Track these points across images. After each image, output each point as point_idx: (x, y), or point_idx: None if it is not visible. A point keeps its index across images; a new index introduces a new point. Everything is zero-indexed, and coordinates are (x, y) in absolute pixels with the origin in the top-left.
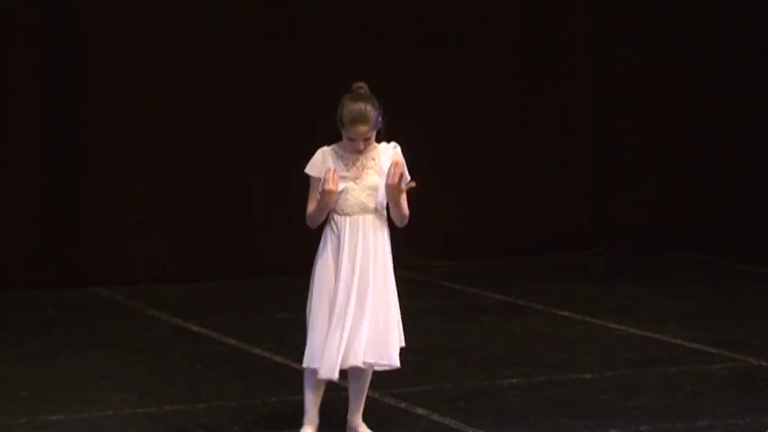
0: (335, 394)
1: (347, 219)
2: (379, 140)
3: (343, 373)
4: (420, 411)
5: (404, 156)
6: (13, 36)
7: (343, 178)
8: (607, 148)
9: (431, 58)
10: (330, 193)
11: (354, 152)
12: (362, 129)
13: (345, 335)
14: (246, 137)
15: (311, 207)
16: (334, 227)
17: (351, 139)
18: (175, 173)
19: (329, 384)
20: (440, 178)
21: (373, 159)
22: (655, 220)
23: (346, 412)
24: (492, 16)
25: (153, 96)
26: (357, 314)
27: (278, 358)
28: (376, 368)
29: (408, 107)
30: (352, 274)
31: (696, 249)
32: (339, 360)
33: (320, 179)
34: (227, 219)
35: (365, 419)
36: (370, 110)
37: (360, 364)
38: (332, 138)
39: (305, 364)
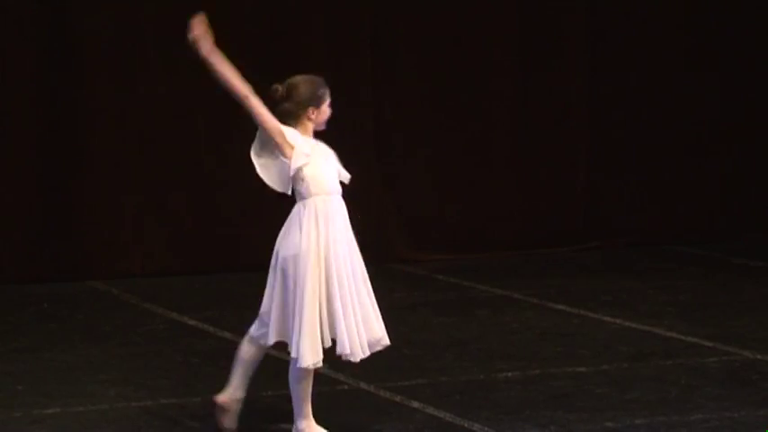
0: (331, 388)
1: (323, 198)
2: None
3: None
4: (415, 405)
5: (402, 150)
6: (10, 30)
7: (307, 156)
8: (603, 142)
9: (428, 54)
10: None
11: (317, 130)
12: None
13: (359, 317)
14: (242, 131)
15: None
16: (308, 210)
17: (329, 107)
18: (171, 166)
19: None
20: (437, 173)
21: (324, 144)
22: (651, 214)
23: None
24: (489, 13)
25: (149, 90)
26: (361, 294)
27: (273, 352)
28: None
29: (405, 103)
30: (345, 254)
31: (692, 243)
32: (365, 340)
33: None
34: (223, 212)
35: (360, 414)
36: None
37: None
38: (331, 134)
39: (305, 364)
